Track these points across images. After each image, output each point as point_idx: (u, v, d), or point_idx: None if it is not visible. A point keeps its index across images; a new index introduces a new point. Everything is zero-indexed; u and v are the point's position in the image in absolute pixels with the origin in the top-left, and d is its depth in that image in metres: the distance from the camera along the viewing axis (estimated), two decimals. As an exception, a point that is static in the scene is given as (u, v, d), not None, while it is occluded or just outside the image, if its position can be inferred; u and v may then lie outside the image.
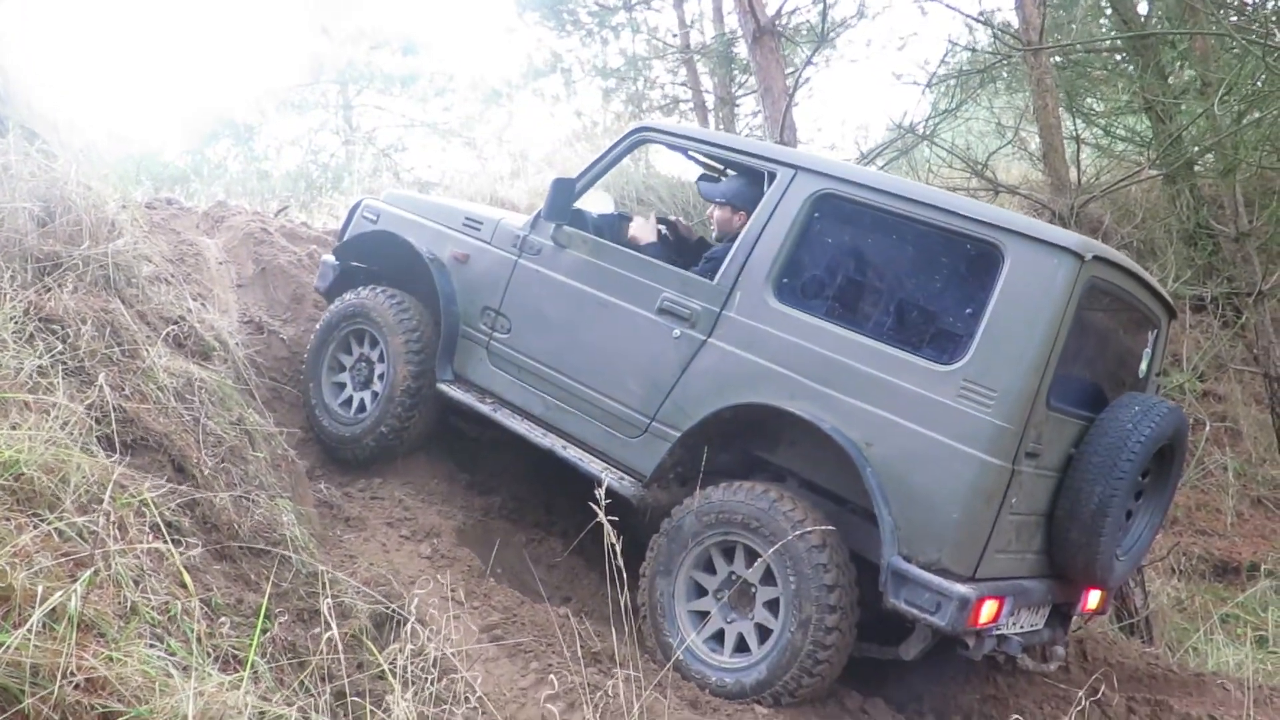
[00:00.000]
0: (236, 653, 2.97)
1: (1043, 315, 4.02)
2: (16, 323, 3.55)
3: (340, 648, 2.99)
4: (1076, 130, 9.44)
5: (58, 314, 3.83)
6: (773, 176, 4.75)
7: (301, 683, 2.92)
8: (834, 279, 4.67)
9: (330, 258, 6.23)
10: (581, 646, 4.07)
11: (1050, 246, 4.08)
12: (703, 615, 4.47)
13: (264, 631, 3.13)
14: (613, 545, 3.10)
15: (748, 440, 4.74)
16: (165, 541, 3.06)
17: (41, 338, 3.62)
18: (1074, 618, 5.03)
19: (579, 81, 17.61)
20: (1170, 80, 10.32)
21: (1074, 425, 4.35)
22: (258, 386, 5.55)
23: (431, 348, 5.52)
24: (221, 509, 3.78)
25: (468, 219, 5.71)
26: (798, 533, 4.14)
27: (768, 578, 4.28)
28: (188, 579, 2.90)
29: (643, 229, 5.28)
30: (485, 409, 5.25)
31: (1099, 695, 4.22)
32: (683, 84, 16.48)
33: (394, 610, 3.90)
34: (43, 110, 5.60)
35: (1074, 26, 11.95)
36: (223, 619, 3.04)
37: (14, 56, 5.62)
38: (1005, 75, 11.73)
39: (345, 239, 6.23)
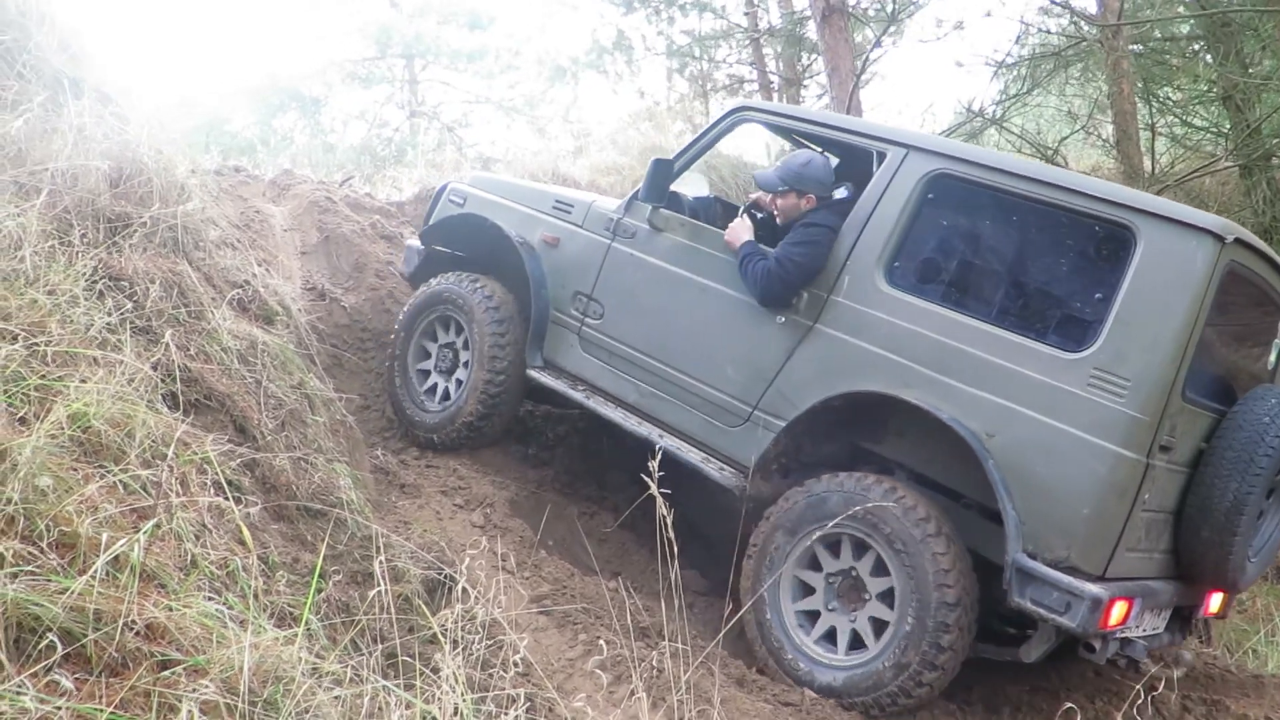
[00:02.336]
0: (291, 610, 3.01)
1: (1181, 301, 3.83)
2: (88, 279, 3.62)
3: (392, 609, 3.02)
4: (1152, 118, 9.23)
5: (127, 273, 3.90)
6: (882, 156, 4.56)
7: (354, 641, 2.96)
8: (949, 262, 4.50)
9: (415, 242, 6.14)
10: (630, 620, 4.08)
11: (1188, 228, 3.88)
12: (810, 615, 4.32)
13: (318, 591, 3.17)
14: (664, 518, 3.09)
15: (852, 431, 4.57)
16: (226, 498, 3.11)
17: (111, 295, 3.69)
18: (1195, 620, 4.85)
19: (643, 60, 17.56)
20: (1251, 70, 10.04)
21: (1206, 418, 4.16)
22: (318, 352, 5.63)
23: (517, 334, 5.43)
24: (280, 470, 3.84)
25: (558, 202, 5.60)
26: (912, 522, 4.00)
27: (878, 570, 4.14)
28: (247, 536, 2.94)
29: (743, 228, 4.86)
30: (577, 396, 5.15)
31: (1156, 692, 4.13)
32: (749, 64, 16.36)
33: (445, 576, 3.93)
34: (117, 75, 5.70)
35: (1151, 12, 11.65)
36: (280, 575, 3.09)
37: (90, 21, 5.72)
38: (1079, 61, 11.48)
39: (431, 223, 6.11)
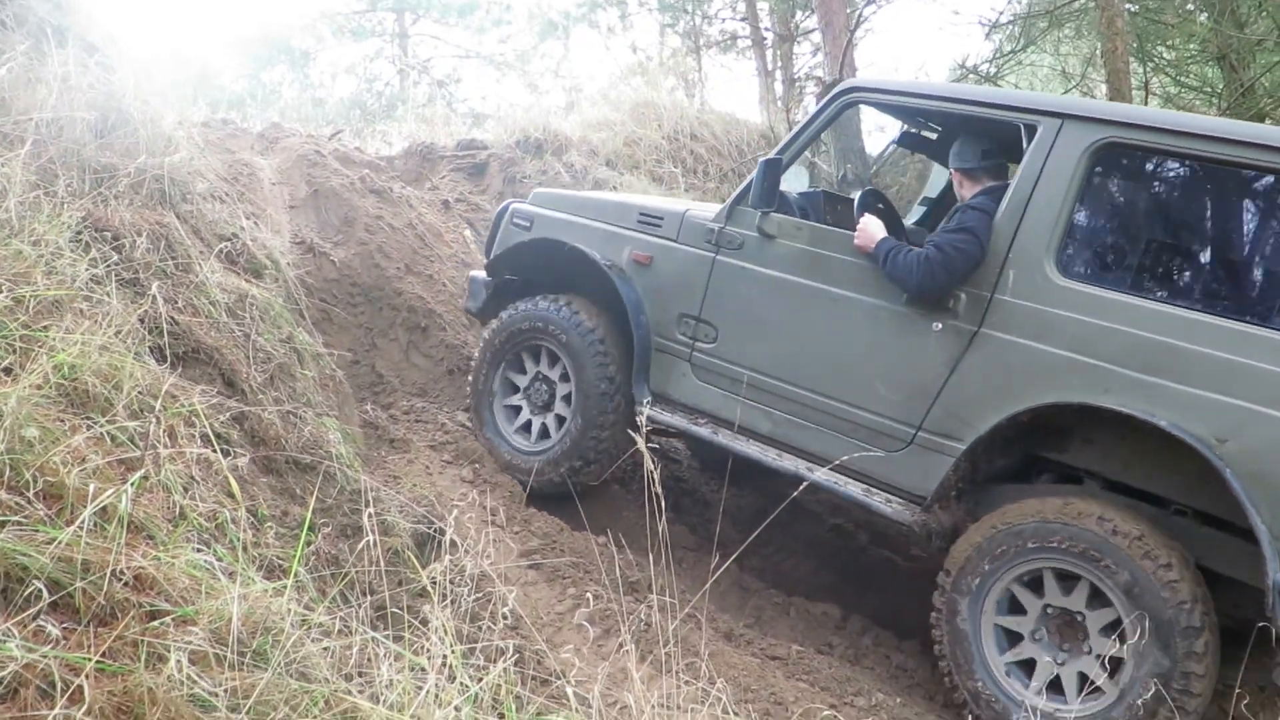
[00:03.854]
0: (280, 562, 3.02)
1: None
2: (73, 230, 3.59)
3: (381, 562, 3.03)
4: (1146, 77, 9.20)
5: (113, 224, 3.87)
6: (1032, 130, 4.00)
7: (343, 594, 2.97)
8: (1132, 244, 4.01)
9: (479, 273, 5.59)
10: (619, 575, 4.11)
11: None
12: (1025, 665, 3.85)
13: (308, 543, 3.18)
14: (651, 474, 3.10)
15: (1030, 440, 4.07)
16: (214, 451, 3.11)
17: (97, 247, 3.66)
18: None
19: (635, 15, 17.42)
20: (1246, 30, 9.99)
21: None
22: (307, 307, 5.60)
23: (621, 362, 4.91)
24: (269, 424, 3.83)
25: (643, 214, 5.03)
26: (1142, 556, 3.53)
27: (1096, 602, 3.70)
28: (235, 488, 2.94)
29: (874, 225, 4.31)
30: (701, 432, 4.61)
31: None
32: (742, 19, 16.22)
33: (435, 529, 3.95)
34: (102, 25, 5.62)
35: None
36: (268, 528, 3.09)
37: (74, -32, 5.62)
38: (1073, 20, 11.42)
39: (497, 252, 5.50)
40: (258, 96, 15.15)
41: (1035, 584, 3.81)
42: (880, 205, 4.75)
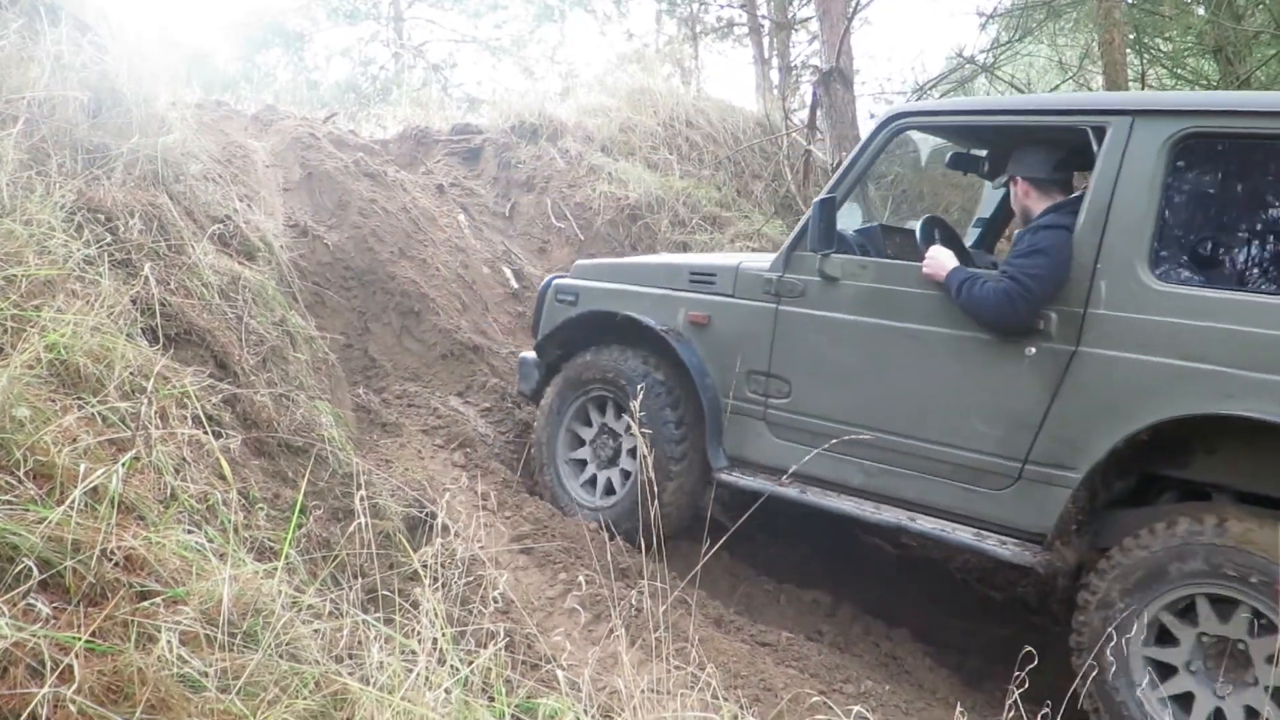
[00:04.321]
0: (271, 544, 3.02)
1: None
2: (65, 211, 3.57)
3: (373, 545, 3.03)
4: (1143, 69, 9.20)
5: (106, 205, 3.85)
6: (1101, 132, 3.78)
7: (334, 576, 2.98)
8: (1230, 237, 3.78)
9: (529, 354, 5.46)
10: (610, 560, 4.12)
11: None
12: (1181, 699, 3.54)
13: (299, 526, 3.18)
14: (644, 458, 3.10)
15: (1146, 459, 3.77)
16: (205, 433, 3.10)
17: (89, 227, 3.64)
18: None
19: (631, 1, 17.38)
20: (1243, 23, 9.99)
21: None
22: (300, 290, 5.60)
23: (692, 417, 4.72)
24: (261, 406, 3.83)
25: (694, 273, 4.87)
26: None
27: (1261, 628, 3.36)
28: (227, 470, 2.94)
29: (942, 254, 4.12)
30: (790, 493, 4.36)
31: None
32: (739, 7, 16.19)
33: (426, 513, 3.95)
34: (95, 3, 5.59)
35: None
36: (260, 510, 3.09)
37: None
38: (1071, 10, 11.42)
39: (545, 331, 5.35)
40: (252, 79, 15.09)
41: (1187, 613, 3.53)
42: (939, 231, 4.59)
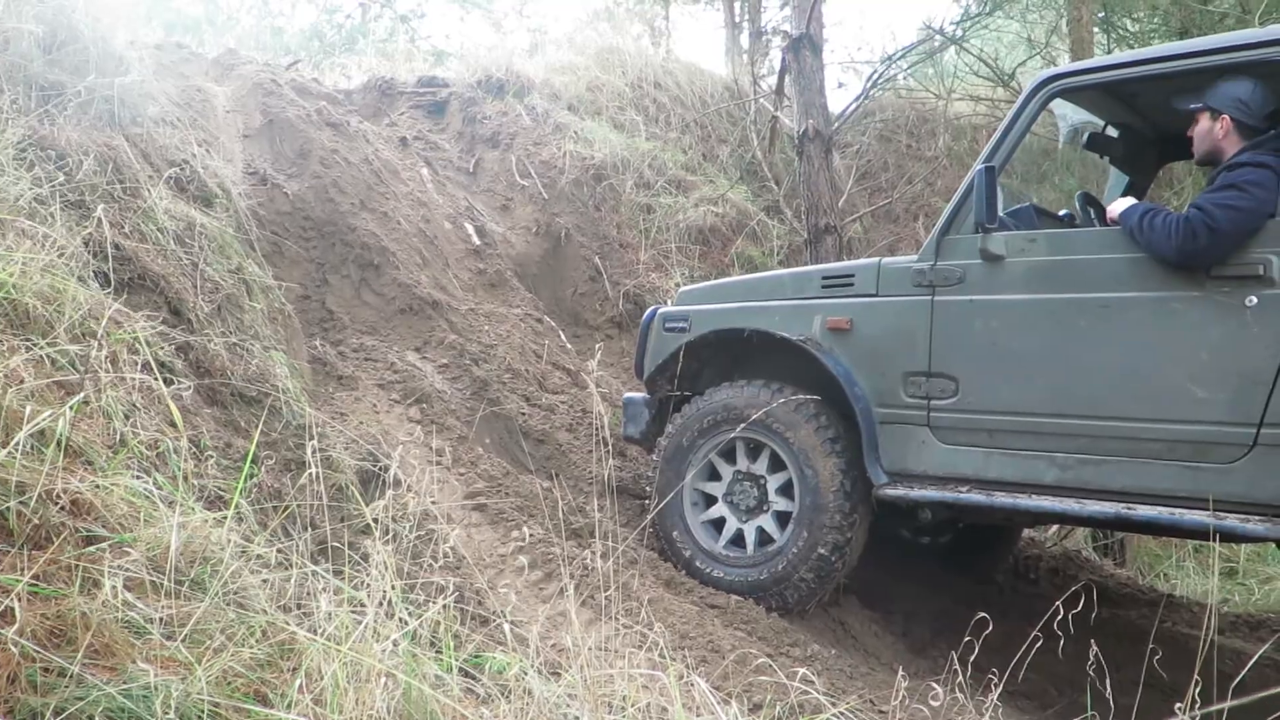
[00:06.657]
0: (222, 493, 3.00)
1: None
2: (16, 148, 3.50)
3: (325, 497, 3.02)
4: (1110, 48, 9.25)
5: (59, 144, 3.78)
6: None
7: (284, 527, 2.96)
8: None
9: (635, 394, 4.98)
10: (563, 520, 4.13)
11: None
12: None
13: (250, 476, 3.16)
14: (601, 416, 3.11)
15: None
16: (156, 379, 3.07)
17: (41, 166, 3.58)
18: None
19: (604, -43, 17.14)
20: (1210, 5, 10.07)
21: None
22: (258, 239, 5.52)
23: (853, 452, 4.30)
24: (215, 355, 3.79)
25: (827, 277, 4.51)
26: None
27: None
28: (178, 417, 2.91)
29: (1121, 200, 3.91)
30: (972, 499, 3.96)
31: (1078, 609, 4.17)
32: (712, -31, 16.05)
33: (380, 467, 3.94)
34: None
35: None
36: (210, 459, 3.07)
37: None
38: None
39: (655, 364, 4.86)
40: (215, 22, 14.78)
41: None
42: (1094, 209, 4.43)
